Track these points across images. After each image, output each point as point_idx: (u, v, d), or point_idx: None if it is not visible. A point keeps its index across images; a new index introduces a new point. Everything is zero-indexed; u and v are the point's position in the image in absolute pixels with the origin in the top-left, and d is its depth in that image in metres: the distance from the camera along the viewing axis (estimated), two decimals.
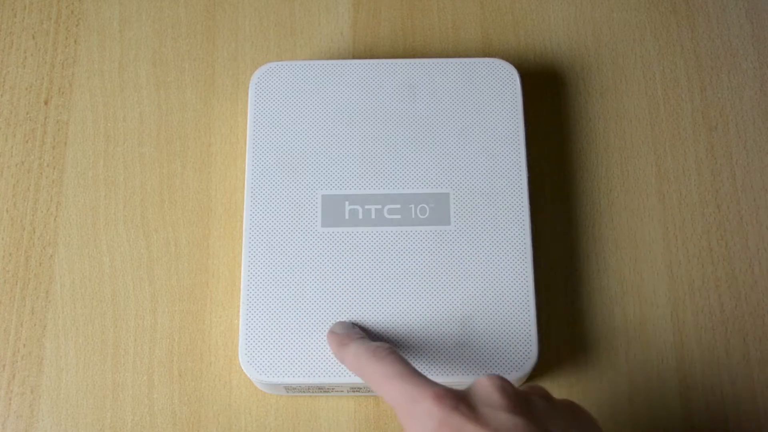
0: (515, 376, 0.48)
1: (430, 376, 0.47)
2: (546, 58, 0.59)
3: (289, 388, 0.49)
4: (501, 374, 0.47)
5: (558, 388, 0.52)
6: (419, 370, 0.48)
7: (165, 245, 0.55)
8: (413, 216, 0.51)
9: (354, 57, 0.59)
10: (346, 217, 0.51)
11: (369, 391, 0.50)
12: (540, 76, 0.59)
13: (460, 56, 0.59)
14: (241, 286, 0.50)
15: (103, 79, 0.58)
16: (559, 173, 0.57)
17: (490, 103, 0.53)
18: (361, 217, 0.51)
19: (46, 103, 0.58)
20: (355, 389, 0.49)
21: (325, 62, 0.54)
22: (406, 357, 0.48)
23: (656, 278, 0.54)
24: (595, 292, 0.54)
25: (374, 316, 0.49)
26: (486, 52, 0.59)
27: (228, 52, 0.59)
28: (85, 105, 0.58)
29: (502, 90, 0.53)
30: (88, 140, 0.57)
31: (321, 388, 0.49)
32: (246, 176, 0.51)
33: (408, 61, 0.54)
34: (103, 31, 0.60)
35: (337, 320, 0.49)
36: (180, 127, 0.57)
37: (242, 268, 0.50)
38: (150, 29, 0.60)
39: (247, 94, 0.54)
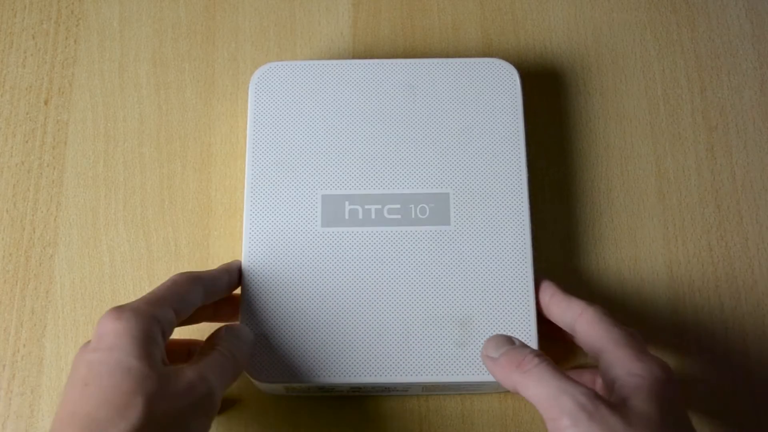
0: None
1: (429, 376, 0.48)
2: (546, 58, 0.59)
3: (289, 389, 0.49)
4: None
5: None
6: (419, 370, 0.48)
7: (165, 245, 0.55)
8: (413, 216, 0.51)
9: (354, 57, 0.59)
10: (346, 217, 0.51)
11: (369, 391, 0.50)
12: (540, 76, 0.59)
13: (460, 56, 0.59)
14: (241, 286, 0.49)
15: (103, 79, 0.58)
16: (559, 173, 0.57)
17: (490, 103, 0.53)
18: (361, 217, 0.51)
19: (46, 103, 0.58)
20: (355, 389, 0.49)
21: (325, 62, 0.54)
22: (406, 357, 0.48)
23: (656, 278, 0.54)
24: (595, 291, 0.54)
25: (374, 316, 0.49)
26: (486, 52, 0.59)
27: (228, 52, 0.59)
28: (85, 105, 0.58)
29: (502, 90, 0.53)
30: (88, 140, 0.57)
31: (321, 389, 0.49)
32: (246, 176, 0.51)
33: (408, 61, 0.54)
34: (103, 31, 0.60)
35: (337, 320, 0.49)
36: (180, 127, 0.57)
37: (242, 268, 0.50)
38: (150, 29, 0.60)
39: (247, 94, 0.54)
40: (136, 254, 0.55)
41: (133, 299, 0.53)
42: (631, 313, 0.53)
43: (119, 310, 0.42)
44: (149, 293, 0.44)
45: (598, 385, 0.47)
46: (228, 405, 0.51)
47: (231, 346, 0.45)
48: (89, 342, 0.42)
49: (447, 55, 0.59)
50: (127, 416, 0.38)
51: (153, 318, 0.42)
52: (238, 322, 0.48)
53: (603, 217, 0.56)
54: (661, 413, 0.39)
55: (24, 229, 0.55)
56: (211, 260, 0.54)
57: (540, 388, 0.41)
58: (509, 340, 0.45)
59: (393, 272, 0.50)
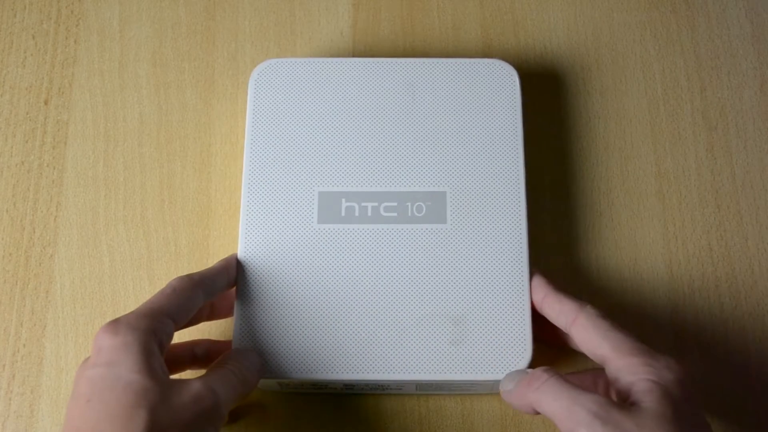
0: None
1: (424, 375, 0.48)
2: (546, 58, 0.59)
3: (282, 384, 0.49)
4: (494, 374, 0.48)
5: None
6: (412, 368, 0.48)
7: (165, 245, 0.55)
8: (409, 214, 0.51)
9: (354, 57, 0.59)
10: (343, 214, 0.51)
11: (362, 389, 0.50)
12: (540, 77, 0.59)
13: (460, 56, 0.59)
14: (237, 281, 0.49)
15: (103, 79, 0.59)
16: (559, 173, 0.56)
17: (488, 103, 0.53)
18: (357, 214, 0.50)
19: (46, 103, 0.58)
20: (348, 386, 0.49)
21: (325, 60, 0.54)
22: (399, 355, 0.48)
23: (656, 278, 0.54)
24: (594, 291, 0.54)
25: (369, 314, 0.49)
26: (486, 52, 0.59)
27: (228, 52, 0.59)
28: (85, 105, 0.58)
29: (500, 90, 0.53)
30: (88, 140, 0.57)
31: (314, 385, 0.49)
32: (243, 172, 0.51)
33: (407, 60, 0.54)
34: (103, 31, 0.60)
35: (332, 317, 0.48)
36: (180, 127, 0.58)
37: (238, 264, 0.50)
38: (150, 29, 0.60)
39: (247, 92, 0.54)
40: (136, 254, 0.55)
41: (133, 299, 0.53)
42: (631, 314, 0.53)
43: (115, 324, 0.42)
44: (147, 303, 0.45)
45: (601, 387, 0.47)
46: (234, 418, 0.51)
47: (240, 366, 0.45)
48: (89, 358, 0.42)
49: (447, 55, 0.59)
50: (131, 429, 0.39)
51: (149, 331, 0.42)
52: (250, 349, 0.48)
53: (603, 217, 0.56)
54: (675, 413, 0.40)
55: (24, 229, 0.55)
56: (211, 260, 0.54)
57: (553, 403, 0.41)
58: (523, 372, 0.46)
59: (388, 270, 0.49)
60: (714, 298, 0.54)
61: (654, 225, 0.55)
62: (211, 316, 0.50)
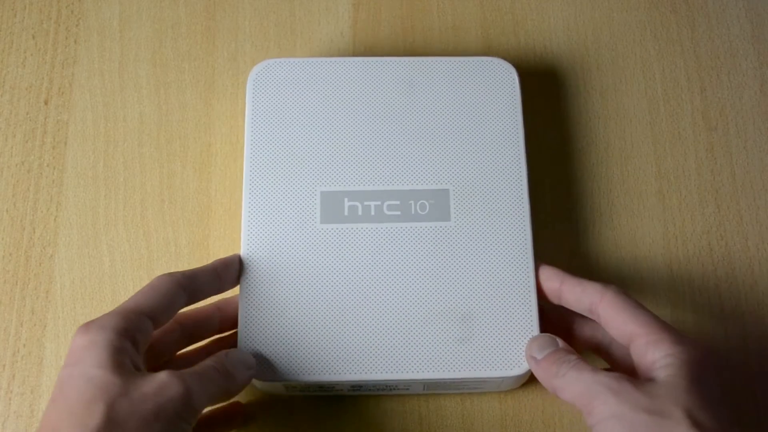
0: (516, 372, 0.48)
1: (432, 373, 0.48)
2: (546, 58, 0.59)
3: (289, 387, 0.49)
4: (502, 371, 0.48)
5: None
6: (419, 367, 0.48)
7: (165, 245, 0.55)
8: (413, 212, 0.51)
9: (354, 57, 0.59)
10: (346, 213, 0.50)
11: (369, 390, 0.50)
12: (540, 76, 0.59)
13: (459, 56, 0.59)
14: (240, 283, 0.49)
15: (103, 79, 0.58)
16: (560, 173, 0.57)
17: (488, 101, 0.53)
18: (360, 213, 0.50)
19: (46, 103, 0.58)
20: (355, 388, 0.49)
21: (324, 59, 0.54)
22: (406, 354, 0.48)
23: (656, 278, 0.54)
24: None
25: (375, 313, 0.49)
26: (486, 52, 0.59)
27: (228, 52, 0.59)
28: (85, 105, 0.58)
29: (500, 88, 0.53)
30: (88, 140, 0.57)
31: (321, 387, 0.49)
32: (244, 173, 0.51)
33: (406, 59, 0.54)
34: (103, 31, 0.60)
35: (337, 317, 0.48)
36: (180, 127, 0.58)
37: (241, 265, 0.50)
38: (150, 29, 0.60)
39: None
40: (136, 254, 0.55)
41: None
42: None
43: (87, 325, 0.42)
44: (125, 302, 0.45)
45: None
46: (238, 417, 0.51)
47: (227, 363, 0.45)
48: None
49: (447, 55, 0.59)
50: (85, 423, 0.38)
51: (120, 329, 0.42)
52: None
53: (603, 217, 0.56)
54: (691, 386, 0.40)
55: (24, 229, 0.55)
56: (210, 260, 0.54)
57: (575, 387, 0.43)
58: (553, 342, 0.46)
59: (393, 269, 0.49)
60: (714, 298, 0.54)
61: (654, 225, 0.55)
62: (222, 327, 0.50)
